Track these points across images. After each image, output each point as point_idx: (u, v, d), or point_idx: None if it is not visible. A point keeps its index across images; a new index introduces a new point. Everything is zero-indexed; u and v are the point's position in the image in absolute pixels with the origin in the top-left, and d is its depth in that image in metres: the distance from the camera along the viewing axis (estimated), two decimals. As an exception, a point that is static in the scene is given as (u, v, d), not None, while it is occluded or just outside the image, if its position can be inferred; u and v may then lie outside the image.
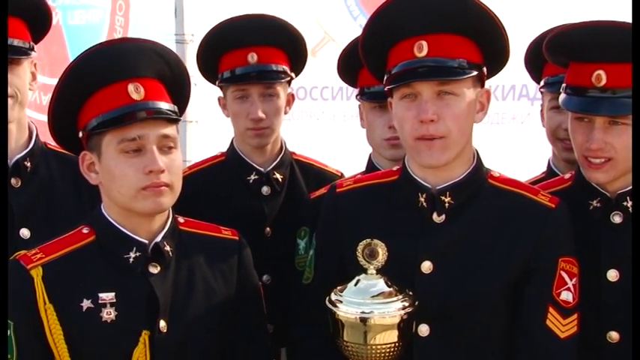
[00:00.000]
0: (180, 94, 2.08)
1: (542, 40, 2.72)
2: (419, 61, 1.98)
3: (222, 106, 2.87)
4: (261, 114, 2.72)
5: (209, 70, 2.84)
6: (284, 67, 2.79)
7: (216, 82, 2.83)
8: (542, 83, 2.80)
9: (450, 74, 1.98)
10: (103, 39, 4.61)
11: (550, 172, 2.72)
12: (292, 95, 2.89)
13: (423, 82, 1.97)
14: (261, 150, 2.80)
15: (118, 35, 4.72)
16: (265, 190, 2.79)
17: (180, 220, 2.12)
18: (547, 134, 2.77)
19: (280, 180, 2.81)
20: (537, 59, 2.73)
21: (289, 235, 2.71)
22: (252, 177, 2.79)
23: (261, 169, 2.80)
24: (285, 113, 2.84)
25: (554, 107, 2.70)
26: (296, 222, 2.71)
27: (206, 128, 4.26)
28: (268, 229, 2.77)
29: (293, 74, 2.85)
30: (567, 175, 2.34)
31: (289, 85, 2.86)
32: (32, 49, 2.45)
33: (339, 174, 2.94)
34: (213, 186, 2.79)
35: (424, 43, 1.98)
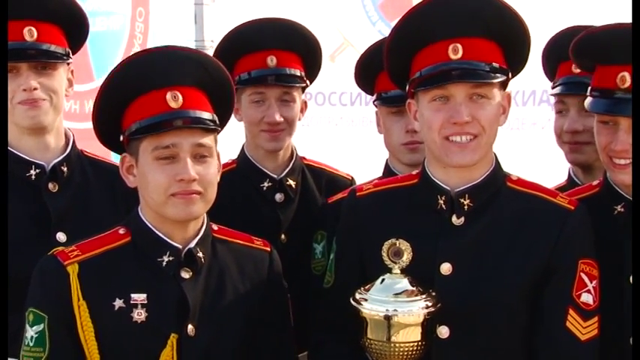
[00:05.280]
0: (222, 103, 2.10)
1: (557, 39, 2.72)
2: (453, 63, 2.00)
3: (235, 111, 2.79)
4: (278, 118, 2.68)
5: None
6: (301, 72, 2.77)
7: None
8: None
9: (484, 77, 2.01)
10: (123, 45, 4.63)
11: (571, 181, 2.70)
12: (305, 103, 2.86)
13: (457, 85, 2.00)
14: (273, 156, 2.77)
15: (138, 41, 4.74)
16: (279, 197, 2.76)
17: (214, 227, 2.14)
18: (555, 138, 2.76)
19: (293, 186, 2.78)
20: (551, 59, 2.73)
21: (304, 241, 2.70)
22: (266, 184, 2.76)
23: (274, 176, 2.76)
24: (299, 120, 2.81)
25: (559, 111, 2.71)
26: (310, 228, 2.70)
27: (224, 133, 4.26)
28: (283, 236, 2.75)
29: (307, 81, 2.82)
30: (595, 182, 2.34)
31: (303, 91, 2.83)
32: (68, 55, 2.48)
33: (350, 178, 2.92)
34: (226, 194, 2.74)
35: (459, 45, 2.00)
